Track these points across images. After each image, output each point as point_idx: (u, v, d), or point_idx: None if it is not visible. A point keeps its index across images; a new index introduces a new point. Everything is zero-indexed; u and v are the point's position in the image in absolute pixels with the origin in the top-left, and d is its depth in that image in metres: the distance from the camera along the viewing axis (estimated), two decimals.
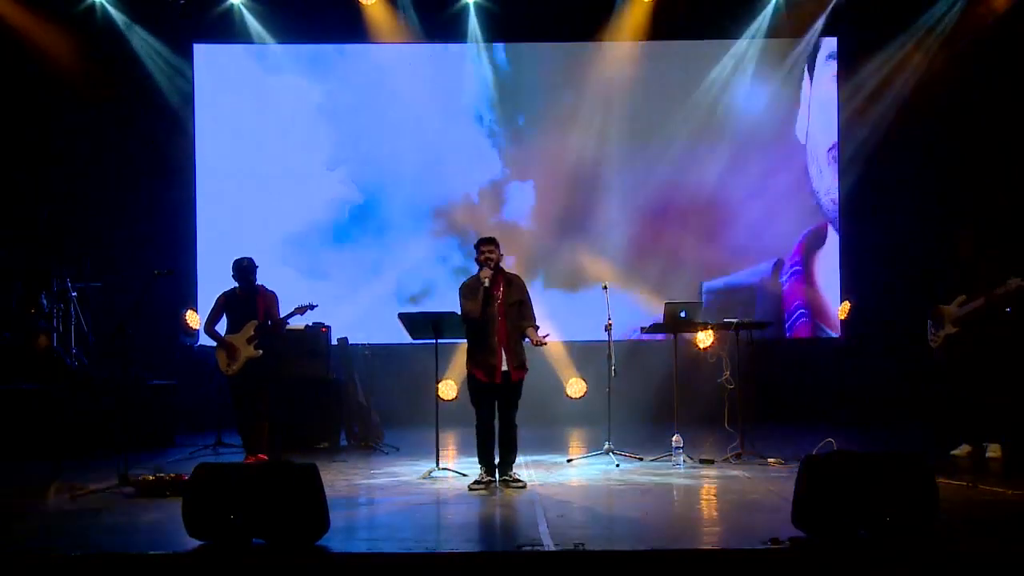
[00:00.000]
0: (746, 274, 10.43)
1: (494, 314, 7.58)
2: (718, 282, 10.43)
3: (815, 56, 10.91)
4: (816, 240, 10.50)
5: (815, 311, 10.45)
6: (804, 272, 10.45)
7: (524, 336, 7.71)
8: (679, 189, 10.82)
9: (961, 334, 8.51)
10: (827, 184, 10.50)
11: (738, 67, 10.88)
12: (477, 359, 7.63)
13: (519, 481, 7.57)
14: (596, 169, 11.09)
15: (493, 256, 7.64)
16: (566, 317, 10.38)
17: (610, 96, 11.08)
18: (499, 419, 7.66)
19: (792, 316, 10.52)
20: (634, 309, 10.34)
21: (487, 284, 7.56)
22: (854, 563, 5.30)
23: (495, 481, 7.59)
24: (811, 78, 10.64)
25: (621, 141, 11.07)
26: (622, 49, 11.23)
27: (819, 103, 10.54)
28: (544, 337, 7.63)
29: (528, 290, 7.86)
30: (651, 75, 11.06)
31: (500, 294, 7.62)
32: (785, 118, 10.89)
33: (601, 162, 11.13)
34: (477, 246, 7.78)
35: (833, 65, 10.91)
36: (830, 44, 11.04)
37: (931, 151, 11.33)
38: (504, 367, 7.55)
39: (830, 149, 10.52)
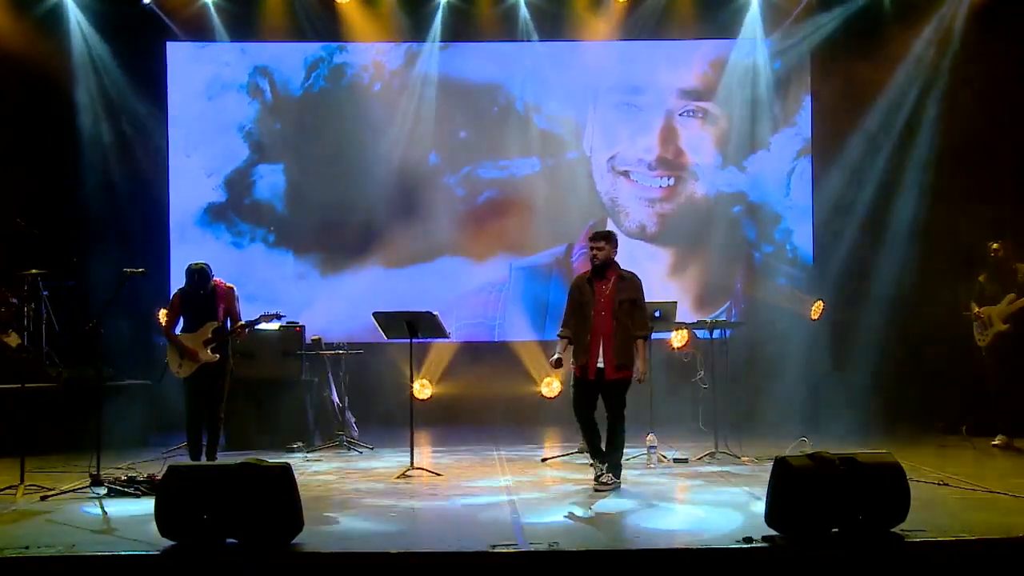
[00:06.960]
0: (545, 255, 12.22)
1: (591, 313, 7.51)
2: (524, 261, 12.12)
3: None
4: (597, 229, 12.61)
5: None
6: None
7: (634, 338, 7.52)
8: (496, 184, 12.34)
9: (1012, 330, 9.21)
10: (606, 187, 12.29)
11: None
12: (576, 356, 7.58)
13: (606, 484, 7.39)
14: (428, 164, 12.26)
15: (599, 253, 7.54)
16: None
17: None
18: (606, 417, 7.58)
19: None
20: (460, 272, 12.07)
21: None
22: (827, 562, 5.34)
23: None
24: (594, 105, 12.27)
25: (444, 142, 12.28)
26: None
27: (600, 123, 12.28)
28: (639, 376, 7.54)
29: (642, 289, 7.67)
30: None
31: (607, 291, 7.53)
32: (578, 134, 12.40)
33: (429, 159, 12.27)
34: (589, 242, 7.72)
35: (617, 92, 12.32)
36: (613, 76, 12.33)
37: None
38: (600, 364, 7.45)
39: (609, 159, 12.25)
